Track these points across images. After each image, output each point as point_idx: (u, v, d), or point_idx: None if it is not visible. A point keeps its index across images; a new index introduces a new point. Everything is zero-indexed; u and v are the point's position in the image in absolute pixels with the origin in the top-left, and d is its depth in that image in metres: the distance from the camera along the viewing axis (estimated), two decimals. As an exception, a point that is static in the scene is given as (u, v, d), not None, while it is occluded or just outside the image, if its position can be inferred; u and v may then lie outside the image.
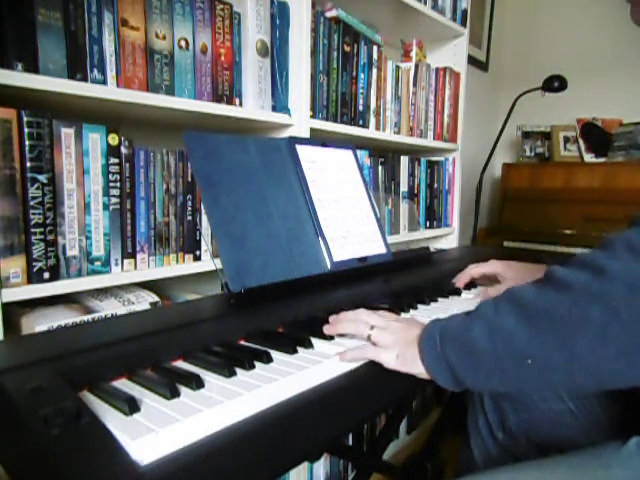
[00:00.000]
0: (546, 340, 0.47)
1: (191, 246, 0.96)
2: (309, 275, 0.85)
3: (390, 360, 0.56)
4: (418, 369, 0.55)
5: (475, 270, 0.91)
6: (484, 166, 1.99)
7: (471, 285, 0.95)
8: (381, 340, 0.59)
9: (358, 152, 1.13)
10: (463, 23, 1.71)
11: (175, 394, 0.46)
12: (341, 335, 0.65)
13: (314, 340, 0.62)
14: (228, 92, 0.99)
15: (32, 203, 0.73)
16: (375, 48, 1.37)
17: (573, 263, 0.50)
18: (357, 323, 0.63)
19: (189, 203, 0.95)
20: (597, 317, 0.45)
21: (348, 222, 0.98)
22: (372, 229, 1.03)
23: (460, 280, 0.92)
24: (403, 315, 0.75)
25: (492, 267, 0.90)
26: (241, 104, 1.03)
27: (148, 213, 0.88)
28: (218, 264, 0.76)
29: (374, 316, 0.63)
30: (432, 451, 1.27)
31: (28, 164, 0.72)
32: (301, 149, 0.95)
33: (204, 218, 0.97)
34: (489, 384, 0.51)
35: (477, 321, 0.52)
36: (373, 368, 0.57)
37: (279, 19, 1.08)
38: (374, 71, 1.37)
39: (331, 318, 0.67)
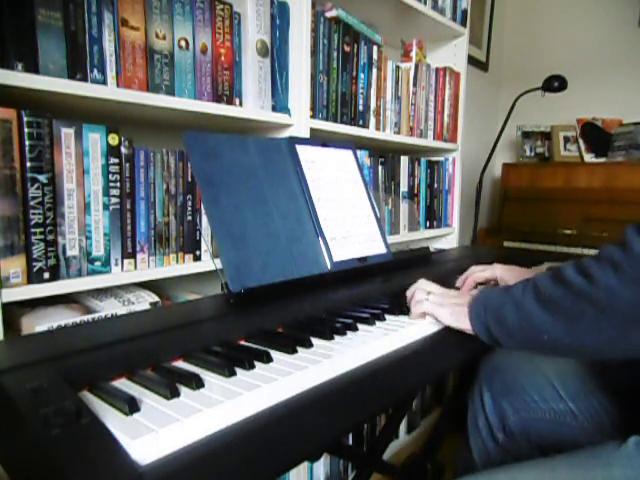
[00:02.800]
0: (557, 323, 0.58)
1: (191, 246, 0.96)
2: (309, 275, 0.85)
3: (446, 315, 0.70)
4: (467, 326, 0.68)
5: (477, 275, 0.93)
6: (484, 166, 1.99)
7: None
8: (438, 301, 0.72)
9: (358, 152, 1.13)
10: (463, 23, 1.71)
11: (175, 394, 0.46)
12: (342, 335, 0.65)
13: (314, 340, 0.62)
14: (228, 92, 0.99)
15: (32, 203, 0.73)
16: (375, 48, 1.37)
17: (578, 265, 0.58)
18: (416, 291, 0.76)
19: (189, 203, 0.95)
20: (590, 313, 0.55)
21: (348, 222, 0.98)
22: (372, 229, 1.03)
23: (466, 286, 0.94)
24: (402, 316, 0.76)
25: (494, 271, 0.93)
26: (241, 104, 1.03)
27: (148, 213, 0.88)
28: (218, 264, 0.76)
29: (432, 284, 0.78)
30: (432, 451, 1.26)
31: (28, 164, 0.72)
32: (301, 149, 0.95)
33: (204, 218, 0.97)
34: (518, 347, 0.65)
35: (509, 299, 0.64)
36: (373, 368, 0.57)
37: (279, 19, 1.08)
38: (374, 71, 1.37)
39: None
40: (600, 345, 0.56)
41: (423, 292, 0.75)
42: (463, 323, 0.68)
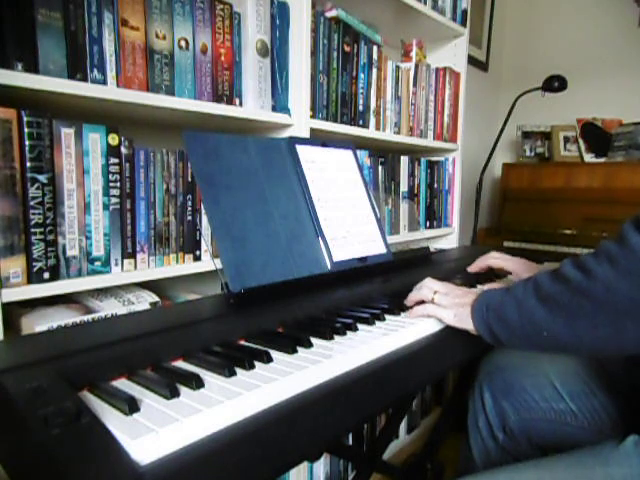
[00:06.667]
0: (556, 320, 0.59)
1: (191, 246, 0.96)
2: (309, 275, 0.85)
3: (449, 317, 0.71)
4: (470, 326, 0.69)
5: (493, 261, 0.97)
6: (484, 166, 1.98)
7: (474, 280, 0.96)
8: (443, 302, 0.73)
9: (358, 152, 1.13)
10: (463, 23, 1.71)
11: (175, 394, 0.46)
12: (342, 335, 0.65)
13: (314, 340, 0.62)
14: (228, 92, 0.99)
15: (32, 203, 0.73)
16: (375, 48, 1.37)
17: (576, 261, 0.60)
18: (422, 289, 0.77)
19: (189, 203, 0.95)
20: (588, 308, 0.56)
21: (348, 222, 0.98)
22: (372, 229, 1.03)
23: (475, 267, 0.99)
24: (402, 315, 0.76)
25: (512, 265, 0.96)
26: (241, 104, 1.03)
27: (148, 213, 0.88)
28: (218, 264, 0.76)
29: (438, 283, 0.77)
30: (432, 451, 1.26)
31: (28, 164, 0.72)
32: (301, 149, 0.95)
33: (204, 218, 0.97)
34: (519, 345, 0.66)
35: (510, 298, 0.65)
36: (373, 368, 0.57)
37: (279, 19, 1.08)
38: (374, 71, 1.37)
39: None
40: (596, 341, 0.57)
41: (430, 291, 0.76)
42: (466, 323, 0.69)
